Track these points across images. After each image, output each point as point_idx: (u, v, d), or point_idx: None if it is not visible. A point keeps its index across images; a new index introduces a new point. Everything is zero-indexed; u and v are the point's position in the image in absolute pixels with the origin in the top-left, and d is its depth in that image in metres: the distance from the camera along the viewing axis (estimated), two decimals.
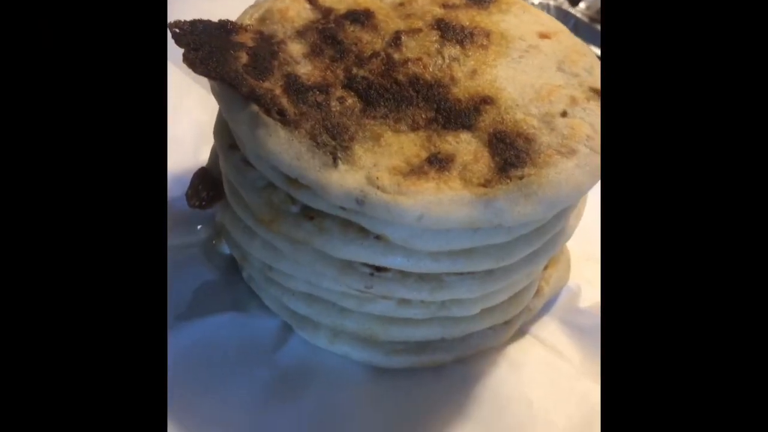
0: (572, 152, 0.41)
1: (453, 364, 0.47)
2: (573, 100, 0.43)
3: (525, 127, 0.42)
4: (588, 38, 0.86)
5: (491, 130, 0.41)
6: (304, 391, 0.45)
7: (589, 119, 0.43)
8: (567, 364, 0.48)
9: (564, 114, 0.43)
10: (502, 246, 0.42)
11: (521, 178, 0.39)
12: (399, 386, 0.46)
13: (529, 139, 0.41)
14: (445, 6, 0.49)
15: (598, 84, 0.45)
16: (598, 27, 0.87)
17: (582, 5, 0.89)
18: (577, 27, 0.87)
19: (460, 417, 0.45)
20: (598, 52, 0.84)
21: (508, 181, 0.39)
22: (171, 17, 0.42)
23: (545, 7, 0.88)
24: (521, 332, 0.50)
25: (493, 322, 0.47)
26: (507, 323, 0.48)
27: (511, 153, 0.40)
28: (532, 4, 0.88)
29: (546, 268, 0.51)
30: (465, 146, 0.41)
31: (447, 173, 0.39)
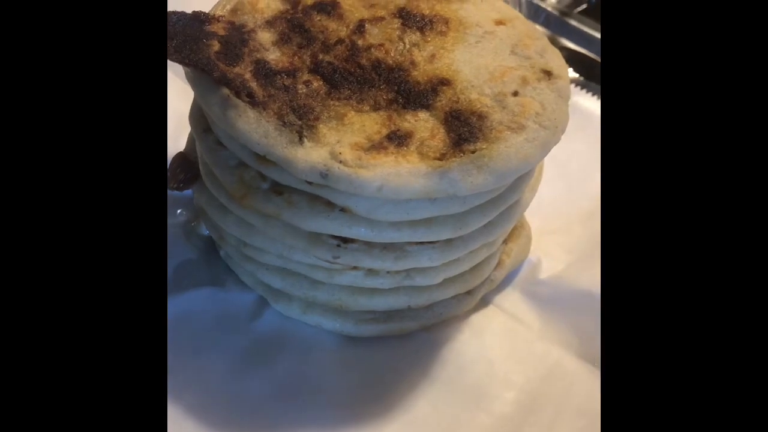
0: (521, 128, 0.44)
1: (419, 331, 0.50)
2: (524, 81, 0.47)
3: (479, 106, 0.45)
4: (558, 31, 0.89)
5: (447, 109, 0.44)
6: (278, 358, 0.48)
7: (538, 98, 0.46)
8: (526, 329, 0.51)
9: (515, 93, 0.46)
10: (459, 216, 0.45)
11: (474, 151, 0.42)
12: (368, 352, 0.49)
13: (482, 117, 0.44)
14: None
15: (548, 66, 0.48)
16: (569, 20, 0.89)
17: None
18: (548, 20, 0.90)
19: (425, 378, 0.48)
20: (570, 44, 0.87)
21: (462, 154, 0.42)
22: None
23: (516, 1, 0.91)
24: (484, 302, 0.53)
25: (456, 291, 0.50)
26: (470, 293, 0.51)
27: (465, 129, 0.43)
28: None
29: (507, 242, 0.54)
30: (423, 124, 0.44)
31: (405, 148, 0.42)
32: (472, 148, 0.42)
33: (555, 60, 0.49)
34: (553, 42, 0.86)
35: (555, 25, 0.89)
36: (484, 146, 0.43)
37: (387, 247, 0.46)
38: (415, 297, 0.49)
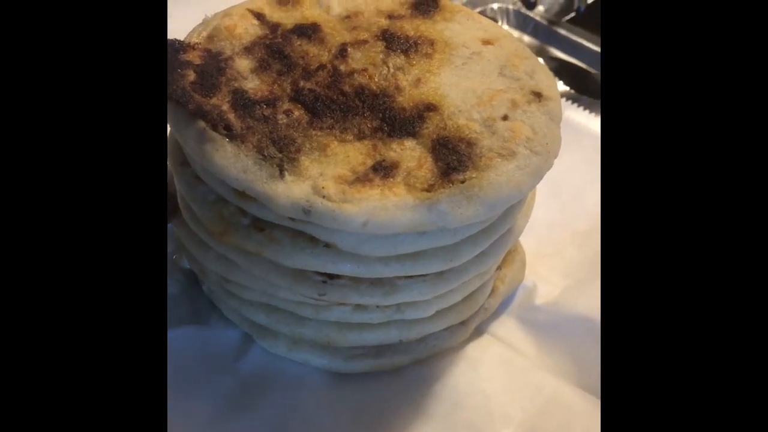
0: (512, 154, 0.42)
1: (411, 365, 0.49)
2: (514, 104, 0.45)
3: (467, 132, 0.43)
4: (547, 41, 0.88)
5: (435, 137, 0.43)
6: (265, 398, 0.46)
7: (529, 121, 0.44)
8: (523, 358, 0.50)
9: (505, 117, 0.44)
10: (449, 248, 0.43)
11: (463, 181, 0.40)
12: (359, 389, 0.47)
13: (470, 144, 0.42)
14: (390, 17, 0.50)
15: (538, 87, 0.46)
16: (557, 29, 0.88)
17: (540, 8, 0.91)
18: (536, 30, 0.88)
19: (419, 415, 0.46)
20: (559, 54, 0.86)
21: (450, 184, 0.40)
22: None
23: (504, 12, 0.90)
24: (479, 331, 0.51)
25: (449, 323, 0.48)
26: (463, 323, 0.50)
27: (453, 158, 0.41)
28: (492, 8, 0.89)
29: (500, 267, 0.52)
30: (409, 153, 0.42)
31: (391, 180, 0.40)
32: (461, 177, 0.41)
33: (545, 80, 0.47)
34: (542, 52, 0.85)
35: (543, 34, 0.88)
36: (473, 175, 0.41)
37: (375, 282, 0.44)
38: (406, 331, 0.47)
